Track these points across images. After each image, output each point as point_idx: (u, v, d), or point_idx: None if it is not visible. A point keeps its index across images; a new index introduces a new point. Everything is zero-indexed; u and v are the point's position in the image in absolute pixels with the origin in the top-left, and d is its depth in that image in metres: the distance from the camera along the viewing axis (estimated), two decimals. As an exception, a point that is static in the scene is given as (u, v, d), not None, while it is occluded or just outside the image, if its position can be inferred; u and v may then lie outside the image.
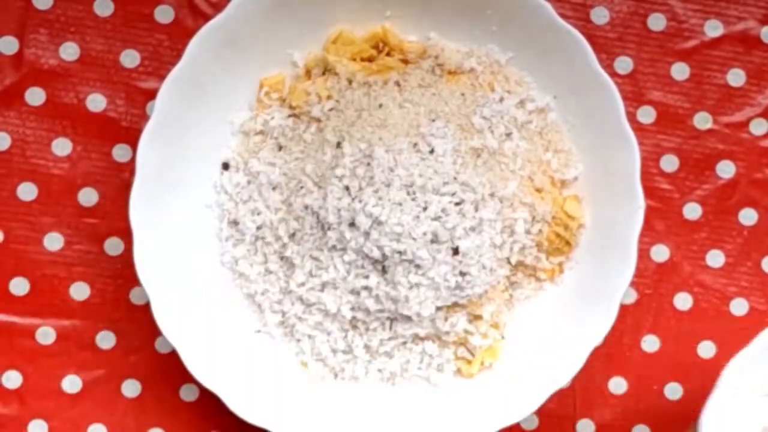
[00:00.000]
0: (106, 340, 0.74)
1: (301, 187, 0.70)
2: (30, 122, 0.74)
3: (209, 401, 0.71)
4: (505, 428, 0.70)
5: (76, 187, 0.74)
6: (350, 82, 0.71)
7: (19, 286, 0.74)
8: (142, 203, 0.68)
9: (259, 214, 0.71)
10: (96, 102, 0.74)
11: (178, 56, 0.68)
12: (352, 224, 0.68)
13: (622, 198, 0.70)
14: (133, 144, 0.71)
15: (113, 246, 0.74)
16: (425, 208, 0.68)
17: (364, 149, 0.69)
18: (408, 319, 0.71)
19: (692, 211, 0.76)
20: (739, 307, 0.76)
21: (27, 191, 0.74)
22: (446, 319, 0.71)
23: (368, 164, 0.68)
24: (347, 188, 0.68)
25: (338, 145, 0.70)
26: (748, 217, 0.76)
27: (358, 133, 0.69)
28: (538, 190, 0.71)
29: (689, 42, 0.75)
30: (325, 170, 0.69)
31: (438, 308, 0.70)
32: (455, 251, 0.69)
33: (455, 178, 0.69)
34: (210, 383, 0.69)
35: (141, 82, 0.74)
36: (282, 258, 0.72)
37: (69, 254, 0.74)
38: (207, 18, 0.70)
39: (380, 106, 0.70)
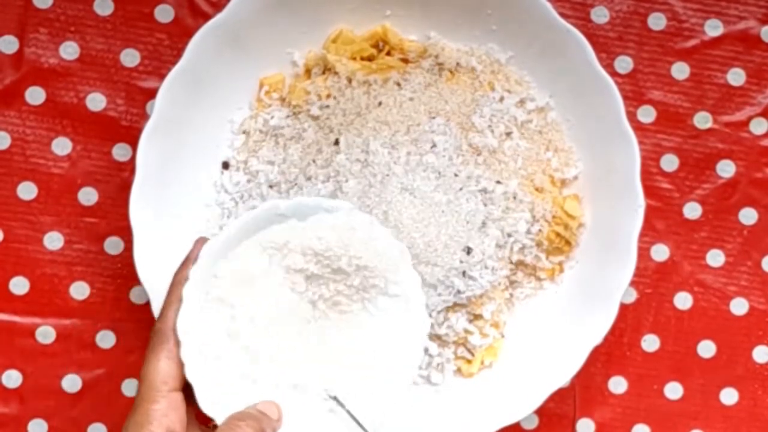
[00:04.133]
0: (106, 339, 0.74)
1: (295, 185, 0.70)
2: (30, 121, 0.74)
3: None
4: (506, 427, 0.70)
5: (76, 186, 0.74)
6: (350, 81, 0.71)
7: (19, 286, 0.74)
8: (142, 202, 0.68)
9: (259, 213, 0.71)
10: (96, 101, 0.74)
11: (178, 55, 0.68)
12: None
13: (622, 197, 0.70)
14: (133, 143, 0.71)
15: (113, 245, 0.74)
16: (424, 207, 0.68)
17: (360, 144, 0.69)
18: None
19: (692, 210, 0.76)
20: (739, 306, 0.76)
21: (27, 190, 0.74)
22: (446, 318, 0.71)
23: (365, 160, 0.68)
24: (338, 183, 0.68)
25: (336, 142, 0.70)
26: (748, 216, 0.76)
27: (357, 131, 0.69)
28: (538, 189, 0.71)
29: (689, 41, 0.75)
30: (321, 167, 0.69)
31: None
32: (464, 251, 0.69)
33: (456, 176, 0.69)
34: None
35: (141, 81, 0.74)
36: (282, 257, 0.72)
37: (69, 253, 0.74)
38: (207, 17, 0.70)
39: (380, 104, 0.70)
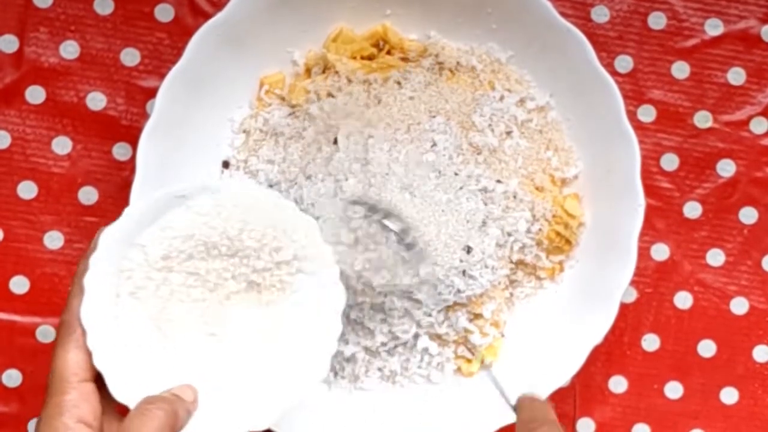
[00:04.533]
0: (106, 338, 0.74)
1: (295, 184, 0.70)
2: (30, 121, 0.74)
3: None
4: (506, 427, 0.70)
5: (76, 185, 0.74)
6: (350, 80, 0.71)
7: (20, 285, 0.74)
8: (142, 202, 0.68)
9: (259, 212, 0.71)
10: (96, 100, 0.74)
11: (178, 55, 0.68)
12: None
13: (622, 196, 0.70)
14: (134, 142, 0.71)
15: (113, 244, 0.74)
16: (424, 206, 0.68)
17: (360, 142, 0.69)
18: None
19: (692, 209, 0.76)
20: (739, 305, 0.76)
21: (27, 190, 0.74)
22: (446, 317, 0.71)
23: (364, 158, 0.68)
24: (338, 182, 0.68)
25: (335, 141, 0.70)
26: (748, 215, 0.76)
27: (356, 130, 0.69)
28: (539, 189, 0.71)
29: (689, 41, 0.75)
30: (321, 166, 0.69)
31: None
32: (464, 250, 0.69)
33: (456, 175, 0.69)
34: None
35: (141, 80, 0.74)
36: (282, 256, 0.72)
37: (69, 253, 0.74)
38: (207, 16, 0.70)
39: (379, 103, 0.70)
